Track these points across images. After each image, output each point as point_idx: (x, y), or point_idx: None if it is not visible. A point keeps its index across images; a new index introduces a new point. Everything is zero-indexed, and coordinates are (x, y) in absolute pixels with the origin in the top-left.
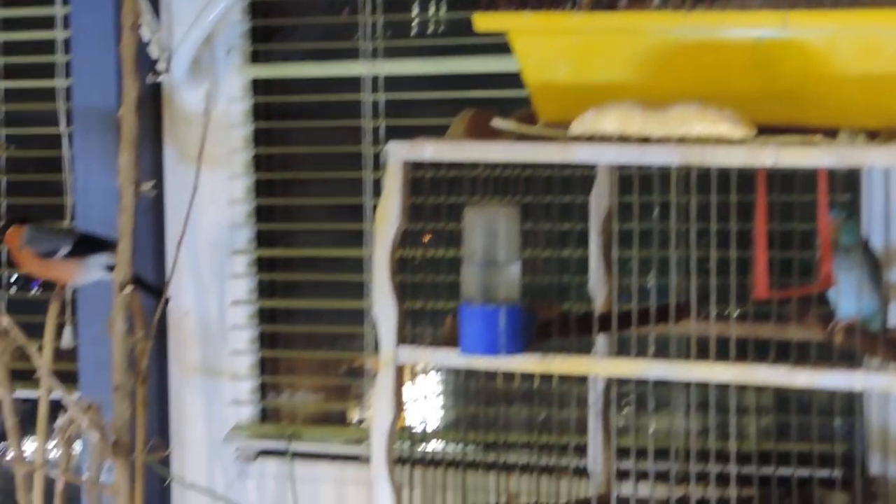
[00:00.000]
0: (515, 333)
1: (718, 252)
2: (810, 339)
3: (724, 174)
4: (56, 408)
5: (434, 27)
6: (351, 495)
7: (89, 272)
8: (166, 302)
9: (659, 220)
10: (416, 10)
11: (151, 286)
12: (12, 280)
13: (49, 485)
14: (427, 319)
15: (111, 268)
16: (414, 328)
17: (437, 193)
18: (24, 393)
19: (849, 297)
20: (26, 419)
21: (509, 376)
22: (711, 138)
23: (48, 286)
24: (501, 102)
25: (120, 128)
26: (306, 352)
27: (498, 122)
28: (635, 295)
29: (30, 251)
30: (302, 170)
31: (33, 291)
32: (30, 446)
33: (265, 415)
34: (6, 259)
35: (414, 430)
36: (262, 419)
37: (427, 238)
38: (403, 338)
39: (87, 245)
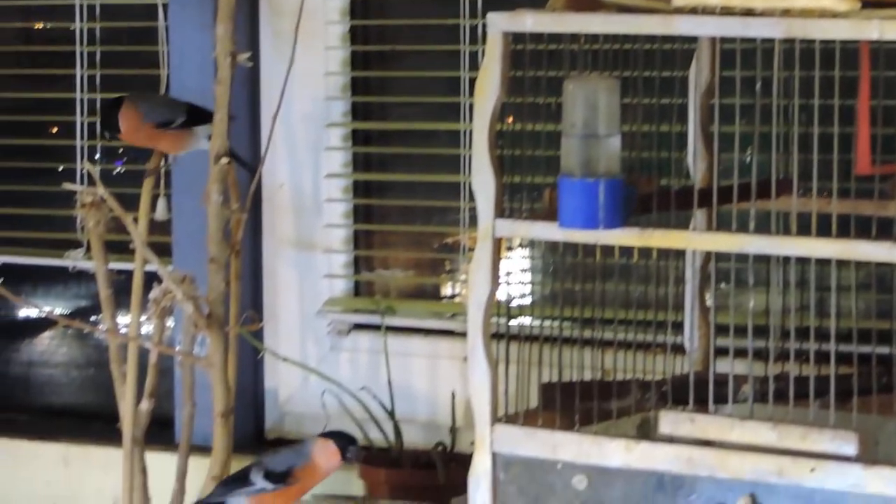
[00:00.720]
0: (615, 207)
1: (820, 128)
2: None
3: (827, 48)
4: (150, 280)
5: None
6: (444, 369)
7: (197, 142)
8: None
9: (761, 94)
10: None
11: (244, 160)
12: (96, 156)
13: (142, 357)
14: (525, 194)
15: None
16: (511, 202)
17: (536, 67)
18: (118, 265)
19: None
20: (120, 291)
21: (608, 251)
22: (816, 11)
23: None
24: None
25: None
26: (401, 225)
27: None
28: (736, 170)
29: (147, 124)
30: (398, 42)
31: (118, 169)
32: (123, 318)
33: (359, 289)
34: (93, 132)
35: (510, 306)
36: (355, 293)
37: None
38: (501, 211)
39: (196, 115)
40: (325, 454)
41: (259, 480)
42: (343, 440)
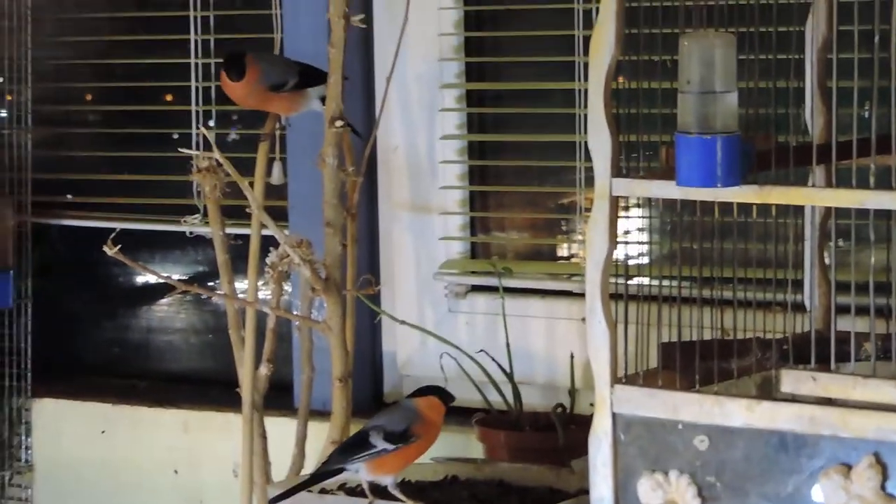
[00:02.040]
0: (733, 164)
1: None
2: None
3: None
4: (267, 244)
5: None
6: (562, 331)
7: (309, 103)
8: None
9: (879, 48)
10: None
11: (353, 126)
12: (211, 122)
13: (260, 321)
14: (641, 153)
15: (324, 99)
16: (628, 161)
17: (651, 24)
18: (235, 229)
19: None
20: (237, 256)
21: (726, 209)
22: None
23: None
24: None
25: None
26: (516, 186)
27: None
28: (855, 125)
29: (261, 86)
30: (511, 1)
31: (232, 136)
32: (241, 283)
33: (475, 251)
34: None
35: (628, 266)
36: (472, 255)
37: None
38: (618, 170)
39: (308, 77)
40: (431, 408)
41: (380, 442)
42: (442, 393)
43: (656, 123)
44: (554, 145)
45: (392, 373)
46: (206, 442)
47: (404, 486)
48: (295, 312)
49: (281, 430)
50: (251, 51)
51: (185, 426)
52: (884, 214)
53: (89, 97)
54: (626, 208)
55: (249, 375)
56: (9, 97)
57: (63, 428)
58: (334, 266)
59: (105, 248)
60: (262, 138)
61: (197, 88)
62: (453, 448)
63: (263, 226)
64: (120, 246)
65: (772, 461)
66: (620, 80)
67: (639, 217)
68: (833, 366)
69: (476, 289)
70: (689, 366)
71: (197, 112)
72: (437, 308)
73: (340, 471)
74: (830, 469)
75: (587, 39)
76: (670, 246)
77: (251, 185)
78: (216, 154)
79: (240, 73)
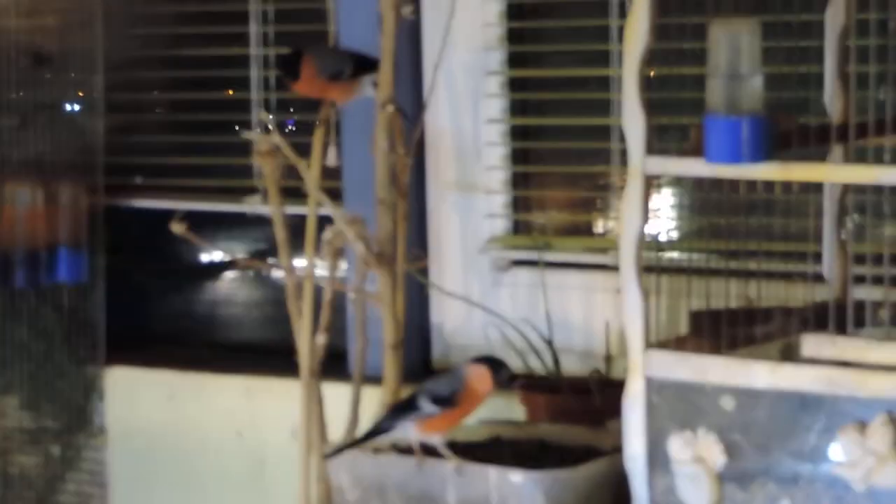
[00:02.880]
0: (758, 142)
1: None
2: None
3: None
4: (323, 222)
5: None
6: (598, 301)
7: (363, 90)
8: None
9: (894, 35)
10: None
11: (404, 110)
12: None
13: (317, 294)
14: (672, 135)
15: (376, 85)
16: (660, 143)
17: (682, 13)
18: (293, 209)
19: None
20: (295, 234)
21: (751, 186)
22: None
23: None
24: None
25: None
26: (556, 167)
27: None
28: (871, 107)
29: (321, 77)
30: None
31: (289, 127)
32: (299, 260)
33: (517, 227)
34: (267, 85)
35: (660, 240)
36: (514, 231)
37: None
38: (651, 149)
39: (361, 65)
40: (479, 377)
41: (426, 405)
42: (495, 364)
43: (687, 107)
44: (591, 128)
45: (440, 341)
46: (267, 407)
47: (452, 445)
48: (349, 285)
49: (336, 395)
50: (306, 47)
51: (248, 392)
52: None
53: (158, 87)
54: (659, 187)
55: (307, 344)
56: (80, 92)
57: (134, 394)
58: (386, 242)
59: (172, 227)
60: (318, 123)
61: (257, 77)
62: (497, 411)
63: (320, 205)
64: (186, 225)
65: (793, 420)
66: (652, 72)
67: (671, 195)
68: (850, 331)
69: (518, 263)
70: (717, 332)
71: (257, 100)
72: (482, 281)
73: (391, 430)
74: (848, 427)
75: (622, 29)
76: (699, 222)
77: (309, 166)
78: (276, 138)
79: (294, 73)
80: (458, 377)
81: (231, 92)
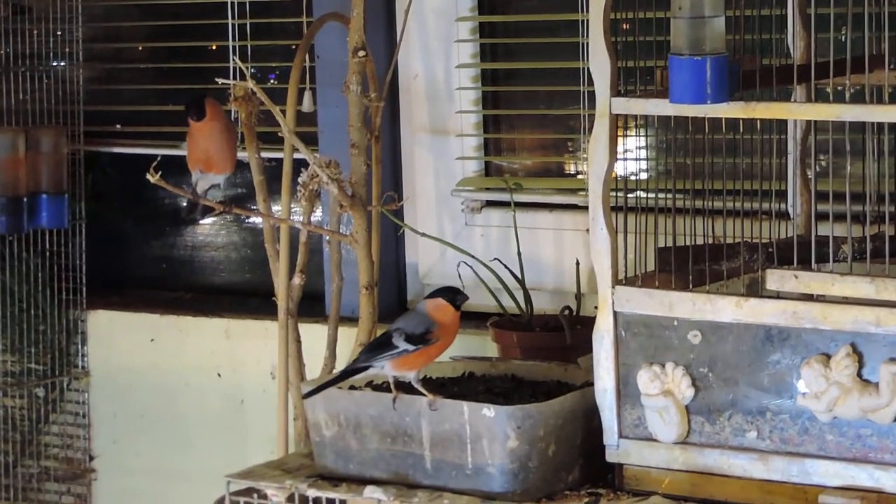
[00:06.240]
0: (721, 82)
1: None
2: None
3: None
4: (298, 166)
5: None
6: (568, 241)
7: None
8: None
9: None
10: None
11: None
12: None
13: (293, 236)
14: (638, 77)
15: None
16: (626, 85)
17: None
18: (269, 153)
19: None
20: (271, 178)
21: (716, 127)
22: None
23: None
24: None
25: None
26: (526, 110)
27: None
28: (832, 48)
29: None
30: None
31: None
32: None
33: (489, 169)
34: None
35: (627, 180)
36: (486, 173)
37: None
38: (617, 91)
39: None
40: (440, 310)
41: (402, 343)
42: (449, 293)
43: (652, 50)
44: (560, 72)
45: (414, 281)
46: (246, 347)
47: (426, 381)
48: (325, 227)
49: (313, 334)
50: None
51: (227, 333)
52: (859, 128)
53: (137, 36)
54: (626, 128)
55: (284, 286)
56: (59, 41)
57: (115, 337)
58: (360, 184)
59: (148, 176)
60: (293, 68)
61: (233, 25)
62: (470, 348)
63: (295, 149)
64: (161, 172)
65: (758, 353)
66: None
67: (637, 136)
68: (814, 266)
69: (490, 204)
70: (683, 268)
71: (233, 47)
72: (455, 222)
73: (367, 369)
74: (812, 359)
75: None
76: (665, 162)
77: (283, 112)
78: (250, 84)
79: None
80: (423, 315)
81: (214, 46)
